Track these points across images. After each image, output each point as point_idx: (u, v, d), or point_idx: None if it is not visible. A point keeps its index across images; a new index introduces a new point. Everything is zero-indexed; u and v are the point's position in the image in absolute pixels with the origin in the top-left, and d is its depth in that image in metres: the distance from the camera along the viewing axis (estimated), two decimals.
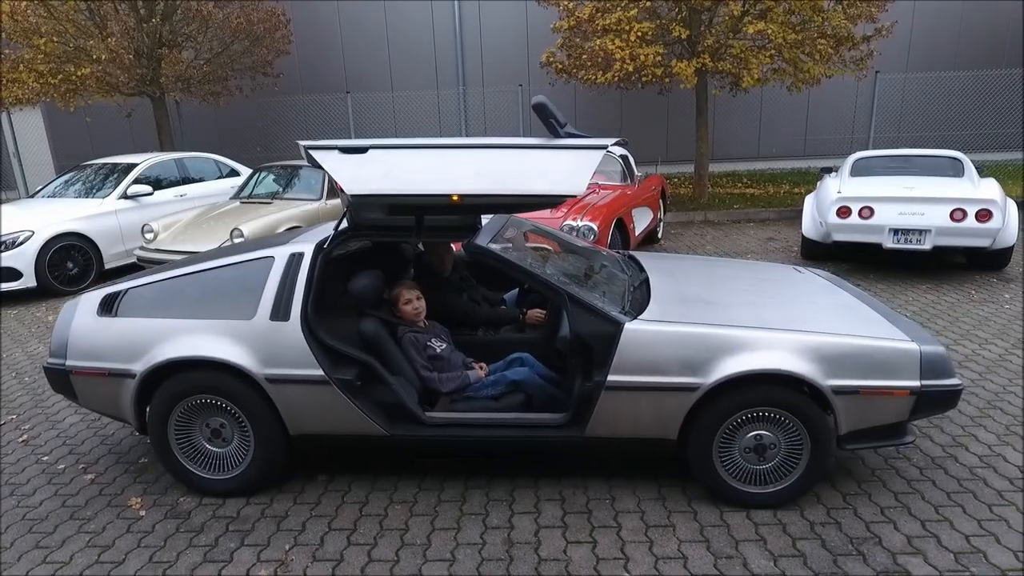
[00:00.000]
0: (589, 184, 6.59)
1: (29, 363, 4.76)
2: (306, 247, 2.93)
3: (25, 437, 3.60)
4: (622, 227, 6.10)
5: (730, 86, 9.33)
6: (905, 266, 6.39)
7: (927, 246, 5.63)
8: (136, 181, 7.39)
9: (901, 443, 2.69)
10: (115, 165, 7.75)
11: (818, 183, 7.02)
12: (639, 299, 2.95)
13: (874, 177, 6.46)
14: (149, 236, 6.45)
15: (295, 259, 2.89)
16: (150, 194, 7.36)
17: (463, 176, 2.50)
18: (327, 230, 3.19)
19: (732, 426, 2.62)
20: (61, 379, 2.99)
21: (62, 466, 3.26)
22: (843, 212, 5.88)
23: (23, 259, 6.23)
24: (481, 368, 3.18)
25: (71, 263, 6.63)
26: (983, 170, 6.67)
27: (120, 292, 3.01)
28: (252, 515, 2.78)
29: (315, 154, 2.55)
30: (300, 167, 7.50)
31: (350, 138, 11.40)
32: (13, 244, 6.22)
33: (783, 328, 2.62)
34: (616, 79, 8.80)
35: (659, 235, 8.14)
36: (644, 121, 12.78)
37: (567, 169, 2.49)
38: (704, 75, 9.22)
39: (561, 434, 2.74)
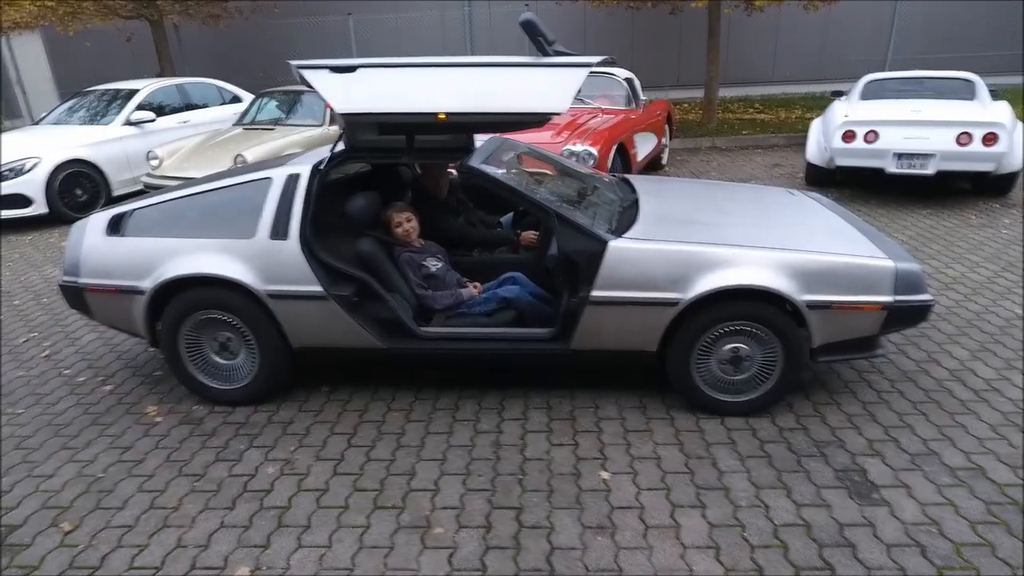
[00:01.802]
0: (592, 107, 6.54)
1: (46, 285, 4.96)
2: (303, 168, 3.01)
3: (47, 352, 3.81)
4: (624, 152, 6.07)
5: (745, 4, 9.00)
6: (908, 192, 6.35)
7: (930, 171, 5.59)
8: (139, 107, 7.38)
9: (873, 356, 2.82)
10: (117, 91, 7.72)
11: (827, 108, 6.88)
12: (627, 219, 3.02)
13: (884, 100, 6.33)
14: (154, 163, 6.51)
15: (292, 180, 2.98)
16: (153, 120, 7.37)
17: (450, 95, 2.54)
18: (324, 153, 3.25)
19: (710, 339, 2.75)
20: (76, 296, 3.15)
21: (82, 378, 3.48)
22: (848, 136, 5.81)
23: (32, 186, 6.34)
24: (475, 287, 3.30)
25: (80, 190, 6.74)
26: (998, 93, 6.50)
27: (127, 213, 3.12)
28: (260, 421, 2.99)
29: (306, 73, 2.59)
30: (302, 92, 7.44)
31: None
32: (21, 171, 6.32)
33: (761, 246, 2.71)
34: None
35: (663, 161, 8.08)
36: (656, 44, 12.40)
37: (551, 87, 2.52)
38: None
39: (548, 347, 2.89)
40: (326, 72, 2.58)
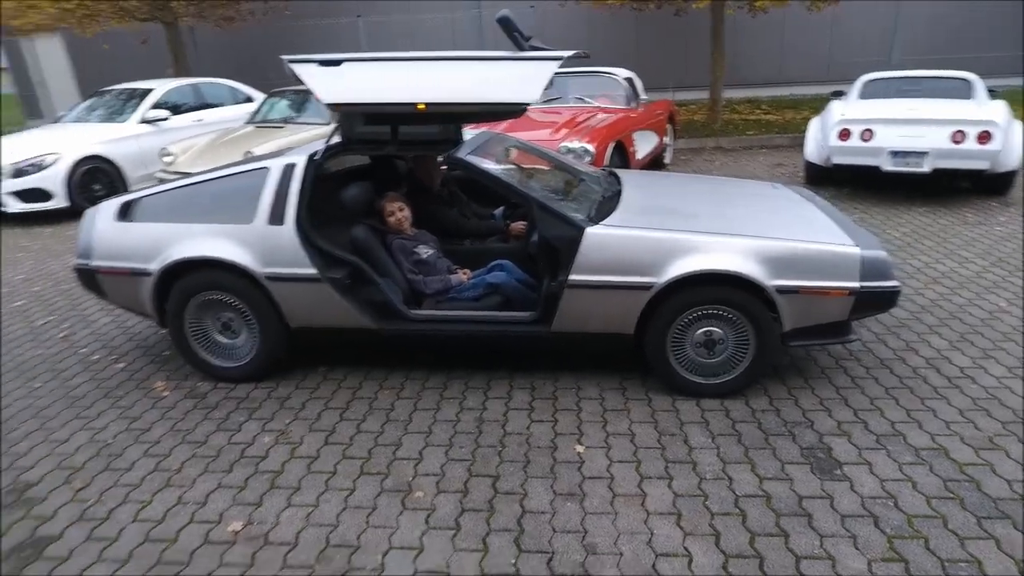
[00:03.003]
0: (592, 107, 6.66)
1: (65, 274, 5.18)
2: (299, 158, 3.17)
3: (64, 334, 4.02)
4: (622, 150, 6.19)
5: (748, 5, 9.08)
6: (907, 191, 6.41)
7: (926, 168, 5.65)
8: (154, 106, 7.63)
9: (844, 341, 2.93)
10: (133, 90, 7.98)
11: (825, 107, 6.96)
12: (607, 208, 3.15)
13: (881, 99, 6.40)
14: (168, 159, 6.73)
15: (289, 169, 3.14)
16: (167, 119, 7.61)
17: (429, 87, 2.69)
18: (321, 145, 3.42)
19: (684, 322, 2.87)
20: (89, 278, 3.34)
21: (96, 357, 3.68)
22: (844, 135, 5.89)
23: (52, 180, 6.60)
24: (464, 273, 3.45)
25: (98, 185, 6.99)
26: (998, 93, 6.53)
27: (136, 199, 3.31)
28: (259, 396, 3.16)
29: (295, 67, 2.76)
30: (311, 92, 7.63)
31: None
32: (42, 166, 6.58)
33: (732, 233, 2.82)
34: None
35: (665, 160, 8.18)
36: (662, 45, 12.50)
37: (523, 79, 2.67)
38: None
39: (530, 329, 3.02)
40: (314, 66, 2.75)
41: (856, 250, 2.77)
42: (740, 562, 2.03)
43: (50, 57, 12.74)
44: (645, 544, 2.12)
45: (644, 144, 6.87)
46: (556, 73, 6.51)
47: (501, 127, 6.24)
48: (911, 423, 2.71)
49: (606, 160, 5.74)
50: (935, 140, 5.56)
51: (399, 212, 3.41)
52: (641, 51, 12.46)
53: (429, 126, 3.27)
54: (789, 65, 12.58)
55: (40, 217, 6.90)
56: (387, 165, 3.96)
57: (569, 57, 2.75)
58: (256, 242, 3.07)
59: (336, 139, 3.30)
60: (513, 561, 2.07)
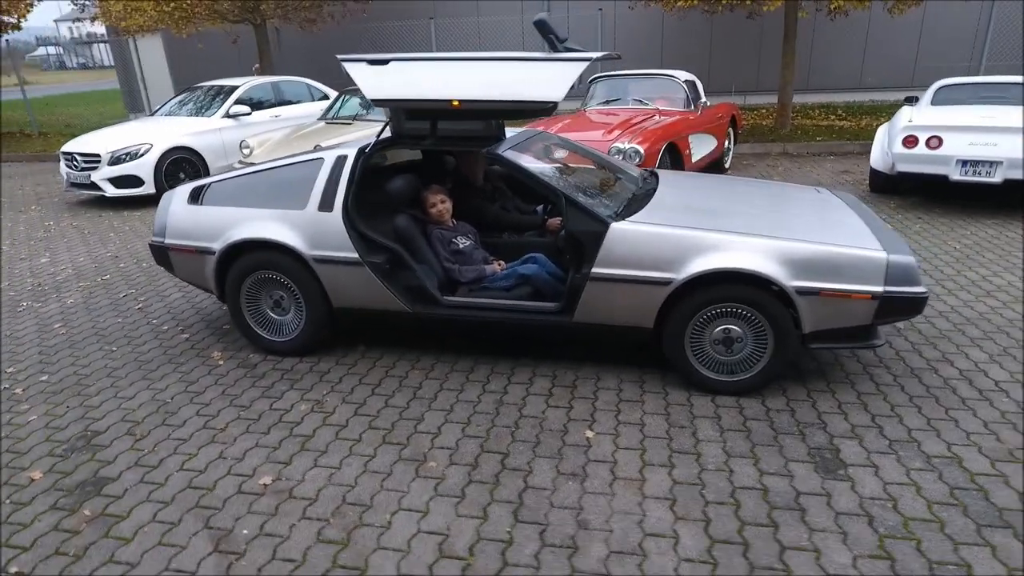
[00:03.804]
0: (650, 109, 6.69)
1: (146, 253, 5.70)
2: (351, 151, 3.42)
3: (140, 306, 4.45)
4: (676, 152, 6.20)
5: (828, 9, 8.81)
6: (978, 202, 6.10)
7: (997, 179, 5.38)
8: (237, 102, 8.20)
9: (868, 346, 2.90)
10: (221, 87, 8.60)
11: (896, 113, 6.70)
12: (638, 205, 3.23)
13: (956, 106, 6.12)
14: (246, 152, 7.23)
15: (341, 160, 3.40)
16: (248, 114, 8.17)
17: (464, 85, 2.86)
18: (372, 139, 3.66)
19: (703, 319, 2.93)
20: (162, 254, 3.72)
21: (166, 327, 4.07)
22: (910, 141, 5.68)
23: (144, 168, 7.23)
24: (499, 264, 3.61)
25: (183, 173, 7.60)
26: None
27: (205, 185, 3.66)
28: (303, 369, 3.43)
29: (347, 65, 3.00)
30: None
31: None
32: (136, 155, 7.22)
33: (756, 234, 2.85)
34: (695, 2, 8.57)
35: (726, 164, 8.08)
36: (735, 48, 12.26)
37: (550, 79, 2.80)
38: None
39: (554, 319, 3.15)
40: (364, 64, 2.98)
41: (882, 254, 2.75)
42: (725, 547, 2.10)
43: (150, 56, 13.85)
44: (636, 524, 2.21)
45: (701, 147, 6.83)
46: (618, 75, 6.64)
47: (558, 126, 6.40)
48: (930, 431, 2.67)
49: (657, 162, 5.77)
50: (1008, 149, 5.29)
51: (440, 204, 3.61)
52: (714, 54, 12.27)
53: (473, 122, 3.46)
54: (871, 70, 12.07)
55: (131, 202, 7.57)
56: (436, 160, 4.18)
57: (598, 58, 2.86)
58: (307, 227, 3.34)
59: (387, 134, 3.54)
60: (509, 530, 2.22)
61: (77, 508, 2.42)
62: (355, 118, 7.83)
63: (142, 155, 7.25)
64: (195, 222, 3.58)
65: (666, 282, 2.88)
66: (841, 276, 2.75)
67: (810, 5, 9.22)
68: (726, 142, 7.90)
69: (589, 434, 2.75)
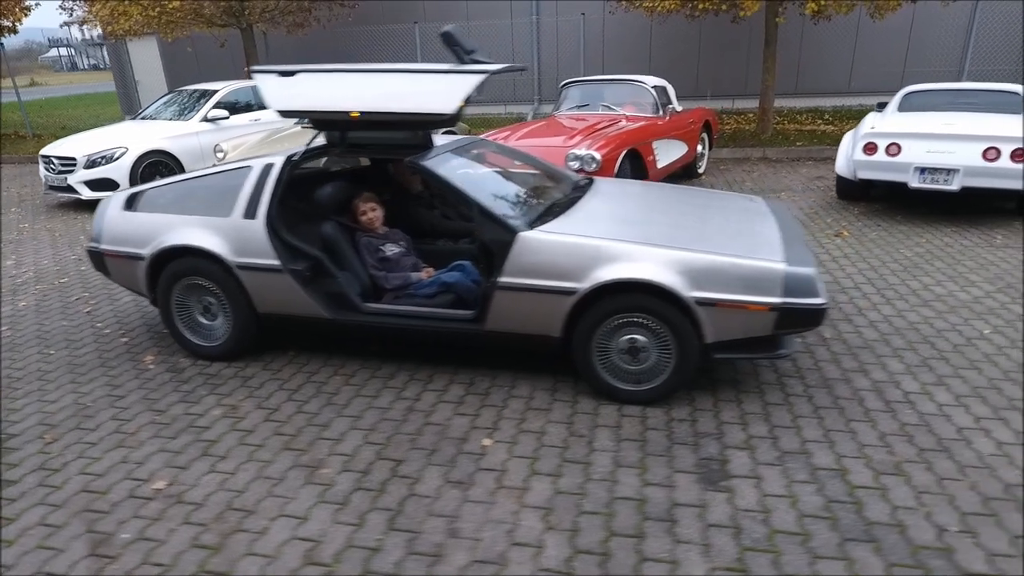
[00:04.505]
0: (616, 114, 6.68)
1: None
2: (278, 159, 3.47)
3: (89, 309, 4.53)
4: (639, 158, 6.20)
5: (809, 12, 8.76)
6: (941, 210, 6.06)
7: (954, 187, 5.34)
8: (216, 106, 8.30)
9: (773, 356, 2.90)
10: (203, 91, 8.70)
11: (863, 119, 6.67)
12: (556, 214, 3.25)
13: (920, 113, 6.08)
14: (220, 155, 7.32)
15: (267, 168, 3.44)
16: (226, 118, 8.26)
17: (364, 97, 2.90)
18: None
19: (608, 328, 2.94)
20: (98, 259, 3.78)
21: (108, 331, 4.14)
22: (870, 148, 5.65)
23: (119, 171, 7.33)
24: (427, 271, 3.65)
25: (159, 176, 7.69)
26: None
27: (140, 192, 3.72)
28: (228, 374, 3.48)
29: (256, 76, 3.05)
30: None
31: None
32: (111, 158, 7.33)
33: (659, 244, 2.87)
34: (673, 7, 8.56)
35: (700, 169, 8.06)
36: (723, 53, 12.22)
37: (443, 91, 2.82)
38: (776, 1, 8.72)
39: (468, 327, 3.18)
40: (273, 76, 3.02)
41: (781, 266, 2.75)
42: (586, 558, 2.11)
43: (145, 58, 14.03)
44: (506, 533, 2.23)
45: (668, 153, 6.82)
46: (588, 81, 6.63)
47: (521, 132, 6.43)
48: (824, 443, 2.67)
49: (616, 168, 5.78)
50: (965, 157, 5.25)
51: (371, 212, 3.65)
52: (701, 59, 12.24)
53: (399, 132, 3.50)
54: (861, 74, 11.98)
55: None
56: (382, 168, 4.22)
57: (498, 71, 2.88)
58: (231, 234, 3.39)
59: (320, 141, 3.59)
60: (380, 537, 2.25)
61: None
62: None
63: (117, 158, 7.36)
64: (128, 228, 3.64)
65: (571, 292, 2.90)
66: (739, 287, 2.76)
67: (793, 10, 9.16)
68: (700, 147, 7.89)
69: (487, 442, 2.77)
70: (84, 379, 3.49)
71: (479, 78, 2.86)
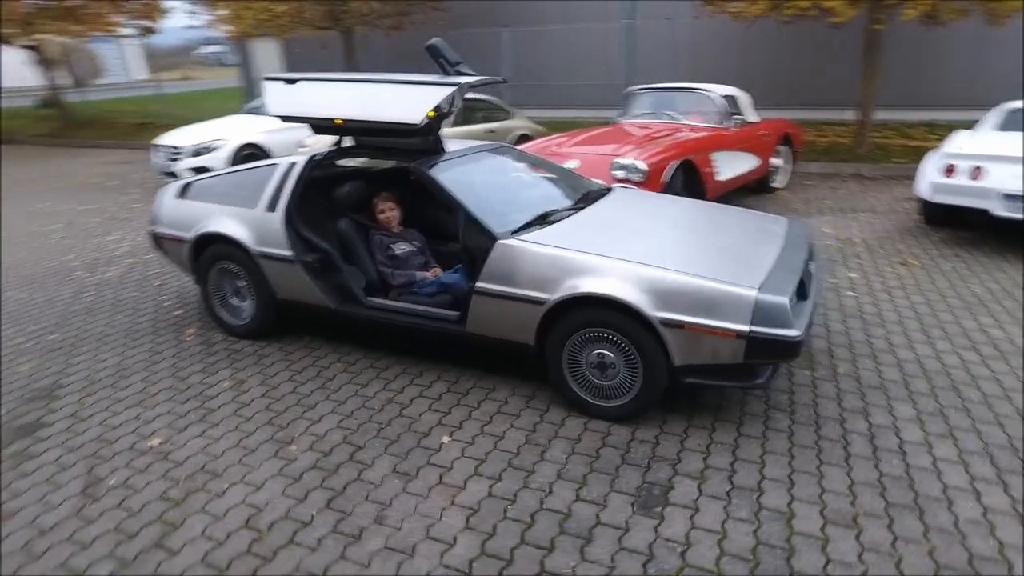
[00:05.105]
0: (678, 124, 6.52)
1: None
2: (302, 159, 3.76)
3: (160, 283, 5.10)
4: (695, 170, 6.01)
5: (915, 19, 8.06)
6: None
7: None
8: None
9: (748, 386, 2.80)
10: None
11: (948, 136, 6.06)
12: (544, 223, 3.27)
13: (1017, 132, 5.44)
14: (302, 150, 7.90)
15: (291, 166, 3.74)
16: None
17: (347, 105, 3.09)
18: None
19: (579, 341, 2.95)
20: (156, 240, 4.27)
21: (168, 303, 4.65)
22: (950, 170, 5.16)
23: (218, 161, 8.09)
24: (434, 271, 3.80)
25: None
26: None
27: (191, 182, 4.16)
28: (248, 351, 3.82)
29: (266, 83, 3.33)
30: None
31: (502, 71, 12.07)
32: (211, 149, 8.12)
33: (631, 260, 2.83)
34: (760, 11, 8.17)
35: (776, 184, 7.66)
36: (821, 59, 11.47)
37: (413, 102, 2.94)
38: (879, 6, 8.09)
39: (451, 328, 3.30)
40: (281, 83, 3.29)
41: (751, 293, 2.64)
42: (490, 561, 2.17)
43: (266, 57, 15.30)
44: (425, 527, 2.34)
45: (733, 166, 6.56)
46: (655, 88, 6.61)
47: (578, 138, 6.45)
48: (782, 484, 2.54)
49: (666, 178, 5.65)
50: None
51: (388, 211, 3.86)
52: (800, 67, 11.57)
53: (412, 138, 3.67)
54: (981, 85, 10.81)
55: None
56: (404, 172, 4.44)
57: (474, 84, 2.97)
58: (255, 224, 3.72)
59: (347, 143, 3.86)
60: (314, 513, 2.42)
61: (9, 443, 2.93)
62: None
63: (216, 149, 8.14)
64: (178, 214, 4.08)
65: (541, 301, 2.94)
66: (706, 311, 2.67)
67: (899, 16, 8.44)
68: (776, 160, 7.51)
69: (445, 440, 2.88)
70: (133, 344, 3.97)
71: (447, 90, 2.96)
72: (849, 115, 11.36)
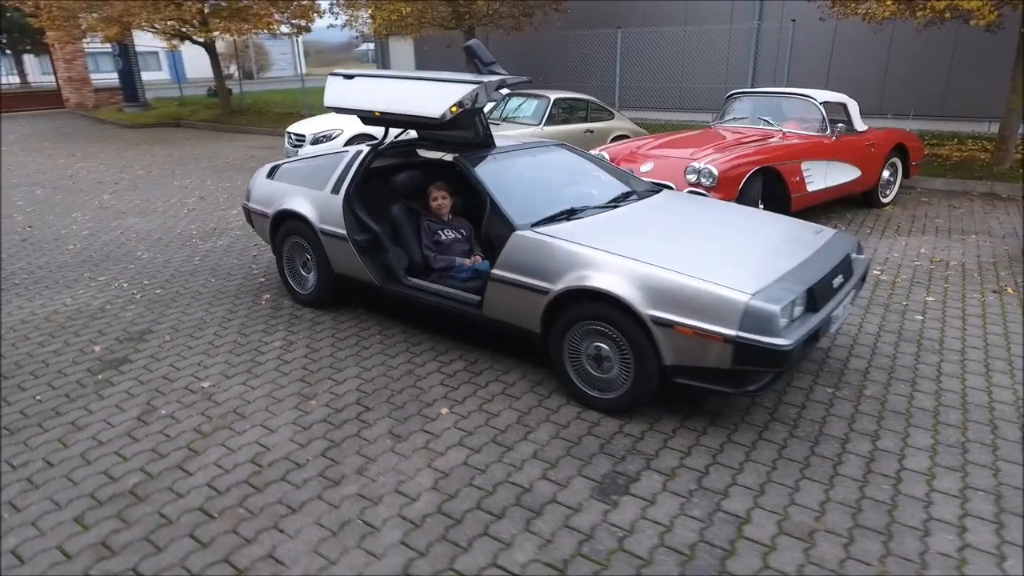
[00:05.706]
0: (771, 130, 6.30)
1: None
2: (366, 148, 4.14)
3: (256, 253, 5.77)
4: (779, 178, 5.77)
5: None
6: None
7: None
8: None
9: (739, 392, 2.76)
10: None
11: None
12: (568, 218, 3.39)
13: None
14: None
15: (357, 153, 4.14)
16: None
17: (385, 98, 3.37)
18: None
19: (578, 333, 3.05)
20: (248, 214, 4.87)
21: (256, 271, 5.27)
22: None
23: (335, 147, 8.86)
24: (475, 258, 4.04)
25: None
26: None
27: (278, 165, 4.69)
28: (307, 317, 4.28)
29: (329, 78, 3.70)
30: (529, 95, 8.66)
31: (615, 72, 12.06)
32: (330, 137, 8.92)
33: (631, 257, 2.89)
34: (890, 13, 7.58)
35: (885, 199, 7.10)
36: (967, 66, 10.35)
37: (438, 98, 3.15)
38: None
39: (472, 311, 3.51)
40: (341, 78, 3.65)
41: (743, 297, 2.61)
42: (439, 519, 2.37)
43: (401, 54, 16.37)
44: (396, 482, 2.58)
45: (828, 176, 6.21)
46: (754, 92, 6.66)
47: (661, 140, 6.42)
48: (750, 491, 2.50)
49: (742, 184, 5.49)
50: None
51: (441, 200, 4.15)
52: (935, 73, 10.52)
53: (464, 131, 3.93)
54: None
55: None
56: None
57: (496, 84, 3.14)
58: (321, 204, 4.16)
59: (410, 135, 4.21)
60: (309, 458, 2.75)
61: (98, 372, 3.54)
62: (503, 119, 8.59)
63: (334, 137, 8.92)
64: (265, 192, 4.63)
65: (544, 291, 3.07)
66: (694, 312, 2.68)
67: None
68: (885, 173, 6.97)
69: (444, 411, 3.11)
70: (217, 303, 4.57)
71: (470, 88, 3.15)
72: (996, 128, 10.23)
